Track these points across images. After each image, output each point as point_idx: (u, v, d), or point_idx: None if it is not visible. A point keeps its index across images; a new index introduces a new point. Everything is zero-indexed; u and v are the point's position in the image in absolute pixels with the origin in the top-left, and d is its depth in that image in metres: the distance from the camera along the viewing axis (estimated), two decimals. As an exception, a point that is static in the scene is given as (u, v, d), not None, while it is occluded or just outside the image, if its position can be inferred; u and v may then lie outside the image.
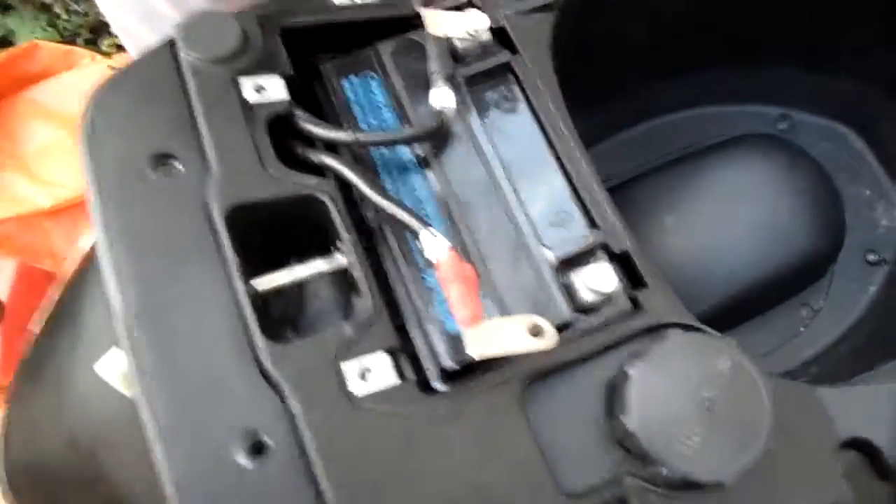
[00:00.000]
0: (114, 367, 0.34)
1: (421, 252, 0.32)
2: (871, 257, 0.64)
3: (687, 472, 0.28)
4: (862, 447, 0.34)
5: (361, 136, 0.33)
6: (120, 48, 1.14)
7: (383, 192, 0.32)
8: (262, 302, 0.31)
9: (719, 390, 0.30)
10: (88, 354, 0.37)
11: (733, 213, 0.60)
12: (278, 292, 0.33)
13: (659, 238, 0.58)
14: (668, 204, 0.60)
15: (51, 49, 0.98)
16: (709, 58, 0.63)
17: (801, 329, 0.63)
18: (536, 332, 0.29)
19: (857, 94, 0.65)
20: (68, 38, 1.14)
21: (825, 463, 0.33)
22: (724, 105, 0.67)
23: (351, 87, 0.37)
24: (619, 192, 0.61)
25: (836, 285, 0.64)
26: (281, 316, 0.33)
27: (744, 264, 0.59)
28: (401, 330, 0.32)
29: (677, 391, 0.29)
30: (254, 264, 0.32)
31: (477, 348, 0.28)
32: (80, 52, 1.00)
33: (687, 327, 0.32)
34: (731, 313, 0.59)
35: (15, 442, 0.41)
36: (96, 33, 1.16)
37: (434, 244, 0.30)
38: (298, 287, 0.34)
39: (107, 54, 1.09)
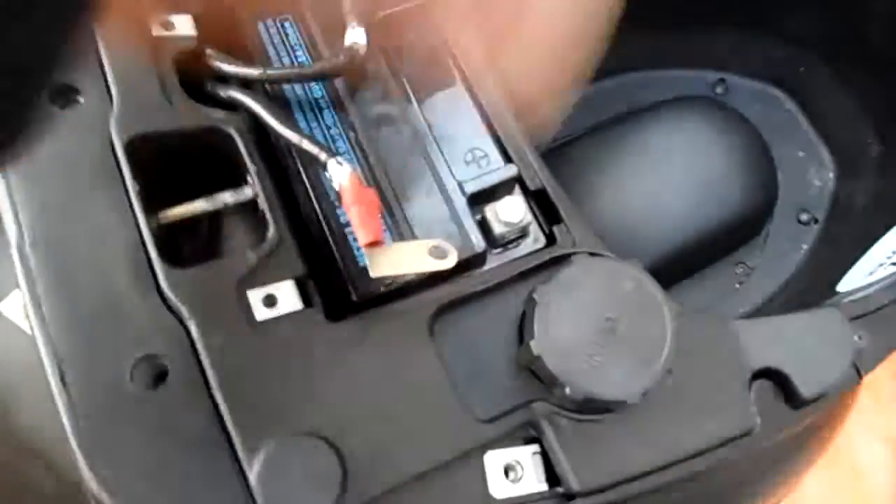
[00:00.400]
0: (19, 307, 0.33)
1: (331, 180, 0.32)
2: (804, 217, 0.65)
3: (588, 391, 0.29)
4: (773, 377, 0.35)
5: (271, 72, 0.33)
6: None
7: (292, 125, 0.32)
8: (167, 235, 0.31)
9: (622, 311, 0.30)
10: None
11: (669, 174, 0.61)
12: (188, 229, 0.33)
13: (594, 198, 0.59)
14: (603, 165, 0.60)
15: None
16: (644, 21, 0.64)
17: (737, 286, 0.64)
18: (439, 254, 0.29)
19: (789, 57, 0.67)
20: None
21: (736, 391, 0.34)
22: (660, 70, 0.68)
23: (265, 29, 0.37)
24: (555, 153, 0.61)
25: (771, 244, 0.65)
26: (191, 252, 0.33)
27: (680, 223, 0.60)
28: (312, 262, 0.32)
29: (581, 313, 0.30)
30: (161, 199, 0.32)
31: (377, 269, 0.28)
32: None
33: (593, 254, 0.33)
34: (667, 272, 0.60)
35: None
36: None
37: (338, 171, 0.30)
38: (210, 224, 0.33)
39: None
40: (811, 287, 0.60)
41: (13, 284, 0.33)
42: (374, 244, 0.28)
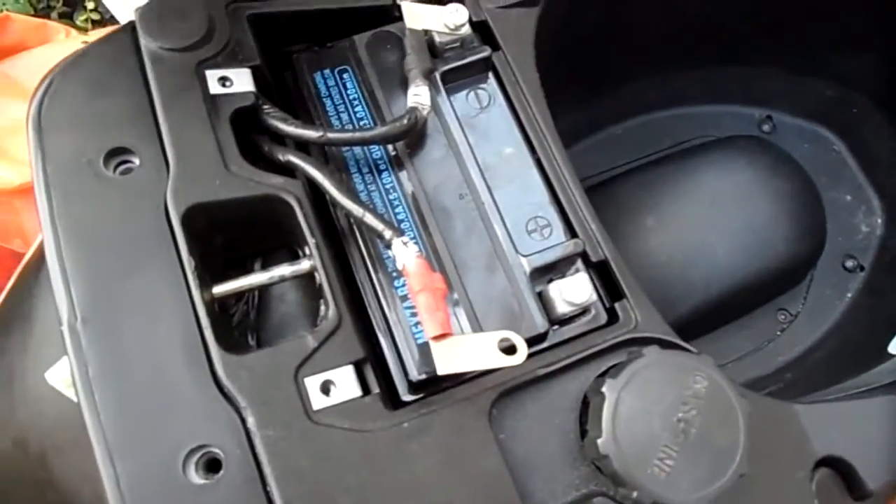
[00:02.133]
0: (65, 376, 0.32)
1: (393, 258, 0.30)
2: (850, 263, 0.64)
3: (658, 496, 0.27)
4: (836, 465, 0.34)
5: (331, 134, 0.32)
6: (96, 23, 1.10)
7: (353, 196, 0.31)
8: (220, 308, 0.30)
9: (695, 412, 0.29)
10: (39, 357, 0.35)
11: (715, 216, 0.59)
12: (240, 297, 0.31)
13: (638, 239, 0.57)
14: (649, 204, 0.58)
15: (23, 22, 0.94)
16: (694, 57, 0.62)
17: (778, 333, 0.63)
18: (507, 348, 0.28)
19: (840, 98, 0.65)
20: (42, 12, 1.10)
21: (798, 482, 0.33)
22: (708, 105, 0.66)
23: (323, 80, 0.35)
24: (600, 190, 0.60)
25: (814, 291, 0.63)
26: (242, 322, 0.31)
27: (723, 268, 0.58)
28: (369, 338, 0.31)
29: (652, 412, 0.28)
30: (215, 267, 0.31)
31: (444, 364, 0.27)
32: (54, 26, 0.96)
33: (664, 343, 0.31)
34: (708, 317, 0.59)
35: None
36: (71, 6, 1.12)
37: (403, 252, 0.29)
38: (262, 292, 0.32)
39: (82, 29, 1.06)
40: (858, 342, 0.58)
41: (60, 352, 0.32)
42: (441, 337, 0.27)
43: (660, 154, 0.63)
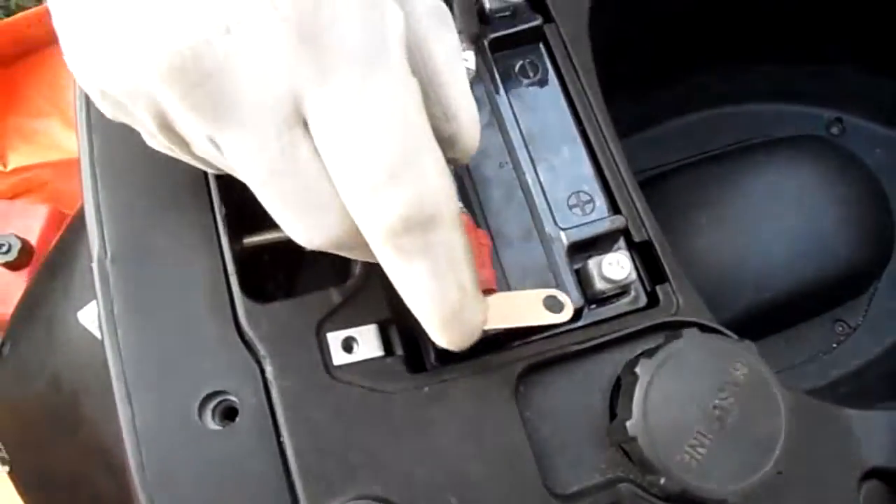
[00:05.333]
0: (95, 317, 0.33)
1: None
2: (918, 277, 0.60)
3: (688, 485, 0.26)
4: (888, 478, 0.31)
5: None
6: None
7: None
8: (251, 259, 0.29)
9: (732, 399, 0.27)
10: (76, 301, 0.35)
11: (773, 217, 0.56)
12: (273, 254, 0.31)
13: (692, 236, 0.55)
14: (705, 201, 0.56)
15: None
16: (760, 52, 0.60)
17: (834, 346, 0.59)
18: (554, 305, 0.27)
19: (919, 102, 0.61)
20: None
21: (845, 492, 0.31)
22: (773, 103, 0.63)
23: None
24: (655, 184, 0.58)
25: (877, 304, 0.60)
26: (271, 275, 0.31)
27: (779, 271, 0.55)
28: (399, 300, 0.30)
29: (686, 396, 0.27)
30: (248, 218, 0.30)
31: (488, 321, 0.26)
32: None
33: (704, 328, 0.30)
34: (760, 322, 0.56)
35: (2, 380, 0.40)
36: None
37: None
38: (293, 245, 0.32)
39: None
40: (920, 358, 0.55)
41: (92, 294, 0.32)
42: (487, 292, 0.26)
43: (719, 151, 0.60)
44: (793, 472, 0.29)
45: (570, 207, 0.33)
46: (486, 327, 0.26)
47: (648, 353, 0.28)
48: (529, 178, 0.32)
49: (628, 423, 0.27)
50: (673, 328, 0.29)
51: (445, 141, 0.25)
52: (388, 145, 0.20)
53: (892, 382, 0.55)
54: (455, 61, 0.24)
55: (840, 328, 0.60)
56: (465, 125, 0.25)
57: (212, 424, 0.26)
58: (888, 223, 0.58)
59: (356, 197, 0.20)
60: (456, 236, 0.22)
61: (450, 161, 0.26)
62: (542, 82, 0.35)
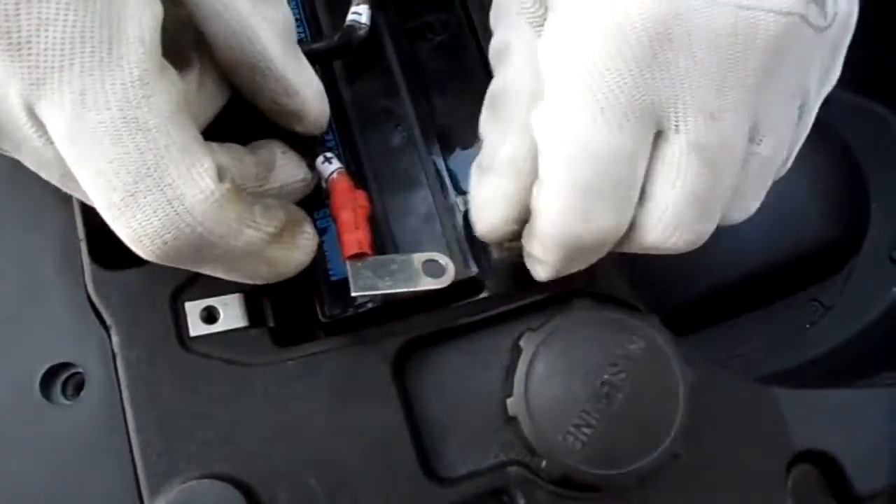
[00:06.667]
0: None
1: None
2: (897, 255, 0.57)
3: (568, 468, 0.24)
4: (820, 462, 0.29)
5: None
6: None
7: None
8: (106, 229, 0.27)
9: (623, 375, 0.25)
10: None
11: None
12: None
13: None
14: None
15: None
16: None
17: (807, 326, 0.56)
18: (434, 270, 0.25)
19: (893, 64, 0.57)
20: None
21: (771, 477, 0.28)
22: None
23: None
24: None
25: (853, 283, 0.57)
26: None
27: (748, 247, 0.52)
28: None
29: (573, 371, 0.25)
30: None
31: (360, 286, 0.24)
32: None
33: (604, 298, 0.27)
34: (729, 301, 0.53)
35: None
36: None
37: (325, 169, 0.26)
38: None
39: None
40: (894, 336, 0.52)
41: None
42: (358, 256, 0.24)
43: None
44: (706, 452, 0.27)
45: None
46: (357, 292, 0.24)
47: (536, 327, 0.26)
48: (431, 146, 0.30)
49: (508, 402, 0.25)
50: (567, 300, 0.27)
51: (293, 115, 0.25)
52: (120, 161, 0.18)
53: (863, 364, 0.52)
54: (286, 36, 0.24)
55: (815, 308, 0.57)
56: (309, 99, 0.25)
57: (57, 398, 0.24)
58: (863, 196, 0.55)
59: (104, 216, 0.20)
60: (234, 241, 0.21)
61: (303, 134, 0.26)
62: (454, 39, 0.33)
